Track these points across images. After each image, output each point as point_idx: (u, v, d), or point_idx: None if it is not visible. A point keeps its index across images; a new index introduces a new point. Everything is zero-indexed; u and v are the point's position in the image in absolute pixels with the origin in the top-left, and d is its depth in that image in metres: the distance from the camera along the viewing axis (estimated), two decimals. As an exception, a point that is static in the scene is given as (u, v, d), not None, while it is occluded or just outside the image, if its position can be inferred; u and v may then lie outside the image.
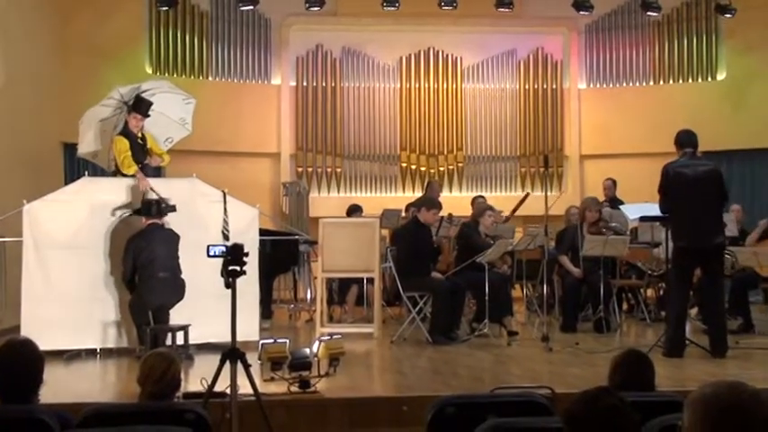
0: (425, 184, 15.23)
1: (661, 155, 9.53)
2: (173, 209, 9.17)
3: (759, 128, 15.44)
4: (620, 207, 12.69)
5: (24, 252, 9.19)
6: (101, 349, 9.30)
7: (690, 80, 16.68)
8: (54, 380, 5.96)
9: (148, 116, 9.86)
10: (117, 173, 9.73)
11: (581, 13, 15.37)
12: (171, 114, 10.44)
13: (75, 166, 11.99)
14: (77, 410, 4.44)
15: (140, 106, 9.75)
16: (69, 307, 9.18)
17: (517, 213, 13.58)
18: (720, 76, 16.45)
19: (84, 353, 9.16)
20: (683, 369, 8.12)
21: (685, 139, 9.05)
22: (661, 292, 11.97)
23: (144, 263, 8.84)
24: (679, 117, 15.07)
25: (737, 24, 15.64)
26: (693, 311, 10.38)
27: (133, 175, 9.59)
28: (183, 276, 9.03)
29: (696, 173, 8.85)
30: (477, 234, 10.93)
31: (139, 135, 9.74)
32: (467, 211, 12.46)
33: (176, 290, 8.88)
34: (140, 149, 9.69)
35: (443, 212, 12.18)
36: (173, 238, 9.07)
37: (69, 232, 9.37)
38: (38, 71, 12.51)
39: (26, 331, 8.60)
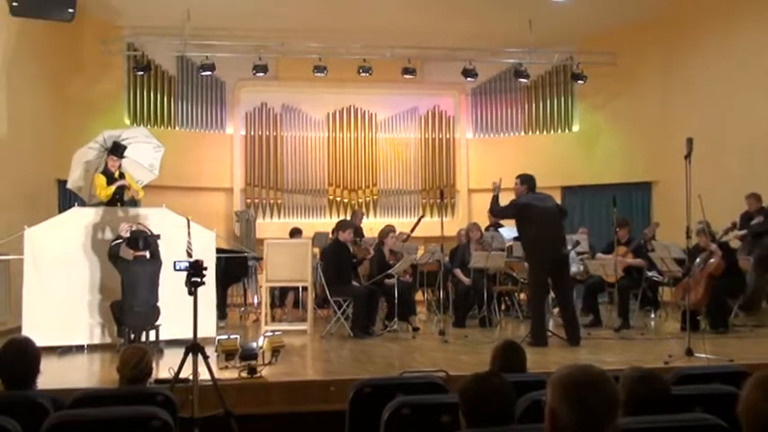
0: (352, 212, 15.25)
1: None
2: (158, 237, 9.05)
3: (603, 168, 15.77)
4: (499, 230, 12.85)
5: (25, 267, 9.07)
6: (88, 345, 9.14)
7: (552, 132, 16.95)
8: (49, 370, 5.81)
9: (124, 158, 9.80)
10: (99, 204, 9.63)
11: (468, 79, 15.60)
12: (142, 162, 10.37)
13: (68, 198, 11.79)
14: (68, 395, 4.36)
15: (116, 150, 9.70)
16: (62, 311, 9.03)
17: (419, 235, 13.58)
18: (575, 129, 16.74)
19: (74, 348, 8.99)
20: (547, 355, 8.18)
21: (528, 179, 9.41)
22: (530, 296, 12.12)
23: (126, 294, 8.66)
24: (544, 160, 15.36)
25: (588, 89, 15.97)
26: (556, 311, 10.49)
27: (110, 203, 9.53)
28: (158, 305, 8.81)
29: (544, 204, 9.19)
30: (382, 254, 11.10)
31: (117, 173, 9.66)
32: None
33: (150, 318, 8.65)
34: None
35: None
36: (155, 271, 8.82)
37: (62, 251, 9.23)
38: (38, 121, 12.32)
39: (26, 331, 8.48)
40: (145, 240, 8.87)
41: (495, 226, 13.45)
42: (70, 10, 6.77)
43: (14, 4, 6.54)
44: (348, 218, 14.12)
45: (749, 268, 10.36)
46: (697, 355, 7.66)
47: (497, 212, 9.74)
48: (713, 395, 3.88)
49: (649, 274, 11.12)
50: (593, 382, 2.49)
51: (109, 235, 9.39)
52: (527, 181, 9.37)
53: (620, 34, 15.36)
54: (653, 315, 11.70)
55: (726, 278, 9.99)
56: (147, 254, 8.88)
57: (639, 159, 15.47)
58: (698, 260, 10.03)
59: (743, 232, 10.77)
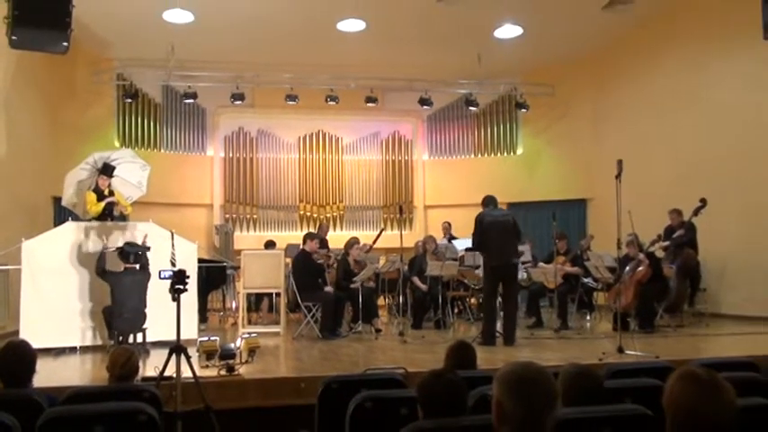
0: (318, 224, 15.22)
1: (479, 205, 9.76)
2: (148, 248, 8.96)
3: (544, 187, 15.91)
4: (453, 241, 12.90)
5: (23, 276, 8.94)
6: (80, 346, 9.02)
7: (498, 154, 17.05)
8: (44, 370, 5.75)
9: (113, 177, 9.73)
10: (91, 219, 9.53)
11: (424, 107, 15.67)
12: (131, 179, 10.30)
13: (62, 214, 11.67)
14: (62, 392, 4.30)
15: (106, 170, 9.65)
16: (56, 316, 8.92)
17: (380, 246, 13.62)
18: (519, 152, 16.86)
19: (67, 349, 8.86)
20: (494, 353, 8.23)
21: (488, 200, 9.60)
22: (480, 301, 12.13)
23: (117, 301, 8.55)
24: (491, 180, 15.45)
25: (530, 116, 16.12)
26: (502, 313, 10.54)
27: (100, 218, 9.45)
28: (146, 311, 8.70)
29: (500, 219, 9.34)
30: (348, 263, 11.07)
31: (107, 191, 9.58)
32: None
33: (137, 322, 8.57)
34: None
35: (331, 245, 12.31)
36: (143, 282, 8.72)
37: (57, 261, 9.13)
38: (35, 143, 12.17)
39: (23, 334, 8.37)
40: (136, 255, 8.81)
41: (449, 238, 13.52)
42: (65, 44, 6.69)
43: (14, 38, 6.45)
44: (316, 231, 14.08)
45: (672, 275, 10.50)
46: (627, 352, 7.76)
47: (476, 244, 9.53)
48: (641, 388, 3.92)
49: (585, 280, 11.25)
50: (535, 377, 2.51)
51: (99, 247, 9.30)
52: (485, 202, 9.58)
53: (557, 69, 15.57)
54: (588, 317, 11.82)
55: (652, 284, 10.13)
56: (138, 266, 8.82)
57: (575, 179, 15.65)
58: (627, 268, 10.18)
59: (666, 243, 10.92)
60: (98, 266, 8.78)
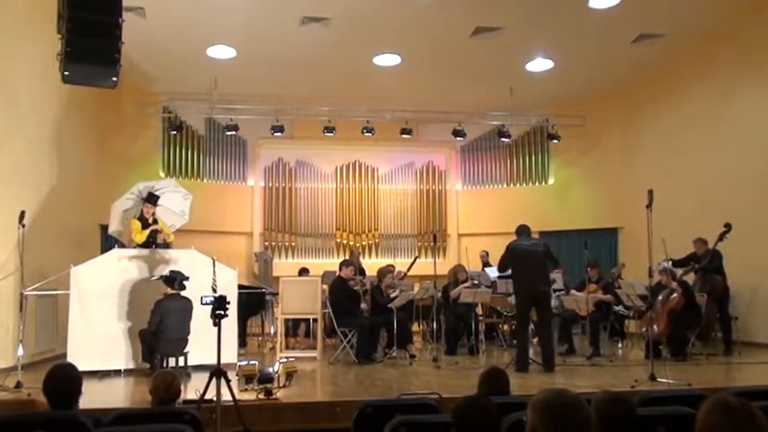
0: (350, 252, 15.23)
1: (511, 234, 9.72)
2: (187, 278, 9.05)
3: (575, 216, 15.78)
4: (486, 269, 12.83)
5: (71, 301, 9.06)
6: (124, 369, 9.12)
7: (530, 184, 16.98)
8: (90, 392, 5.80)
9: (158, 206, 9.87)
10: (136, 246, 9.65)
11: (458, 138, 15.65)
12: (174, 208, 10.42)
13: (109, 241, 11.81)
14: (107, 414, 4.32)
15: (151, 199, 9.80)
16: (102, 339, 9.03)
17: (415, 274, 13.57)
18: (550, 181, 16.78)
19: (112, 372, 8.96)
20: (528, 380, 8.15)
21: (521, 230, 9.61)
22: (513, 327, 12.04)
23: (163, 328, 8.59)
24: (523, 209, 15.37)
25: (561, 147, 16.03)
26: (536, 340, 10.44)
27: (144, 245, 9.56)
28: (188, 337, 8.74)
29: (530, 247, 9.36)
30: (380, 290, 11.07)
31: (151, 219, 9.74)
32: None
33: (180, 346, 8.62)
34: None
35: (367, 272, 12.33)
36: (187, 308, 8.77)
37: (103, 287, 9.24)
38: (84, 173, 12.31)
39: (71, 357, 8.48)
40: (180, 282, 8.88)
41: (483, 266, 13.45)
42: (114, 78, 6.83)
43: (66, 73, 6.60)
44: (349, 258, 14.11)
45: (704, 302, 10.33)
46: (659, 379, 7.63)
47: (501, 268, 9.72)
48: (674, 416, 3.84)
49: (617, 308, 11.10)
50: (569, 404, 2.48)
51: (145, 273, 9.40)
52: (518, 232, 9.60)
53: (588, 101, 15.50)
54: (620, 344, 11.64)
55: (685, 312, 9.97)
56: (182, 292, 8.88)
57: (606, 208, 15.49)
58: (660, 296, 10.03)
59: (694, 267, 10.82)
60: (151, 324, 8.84)
